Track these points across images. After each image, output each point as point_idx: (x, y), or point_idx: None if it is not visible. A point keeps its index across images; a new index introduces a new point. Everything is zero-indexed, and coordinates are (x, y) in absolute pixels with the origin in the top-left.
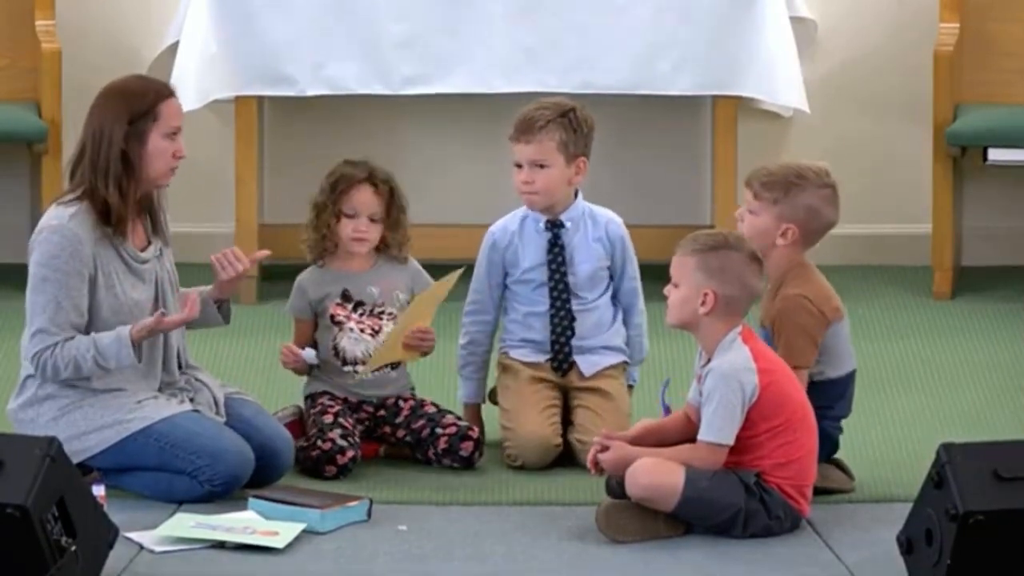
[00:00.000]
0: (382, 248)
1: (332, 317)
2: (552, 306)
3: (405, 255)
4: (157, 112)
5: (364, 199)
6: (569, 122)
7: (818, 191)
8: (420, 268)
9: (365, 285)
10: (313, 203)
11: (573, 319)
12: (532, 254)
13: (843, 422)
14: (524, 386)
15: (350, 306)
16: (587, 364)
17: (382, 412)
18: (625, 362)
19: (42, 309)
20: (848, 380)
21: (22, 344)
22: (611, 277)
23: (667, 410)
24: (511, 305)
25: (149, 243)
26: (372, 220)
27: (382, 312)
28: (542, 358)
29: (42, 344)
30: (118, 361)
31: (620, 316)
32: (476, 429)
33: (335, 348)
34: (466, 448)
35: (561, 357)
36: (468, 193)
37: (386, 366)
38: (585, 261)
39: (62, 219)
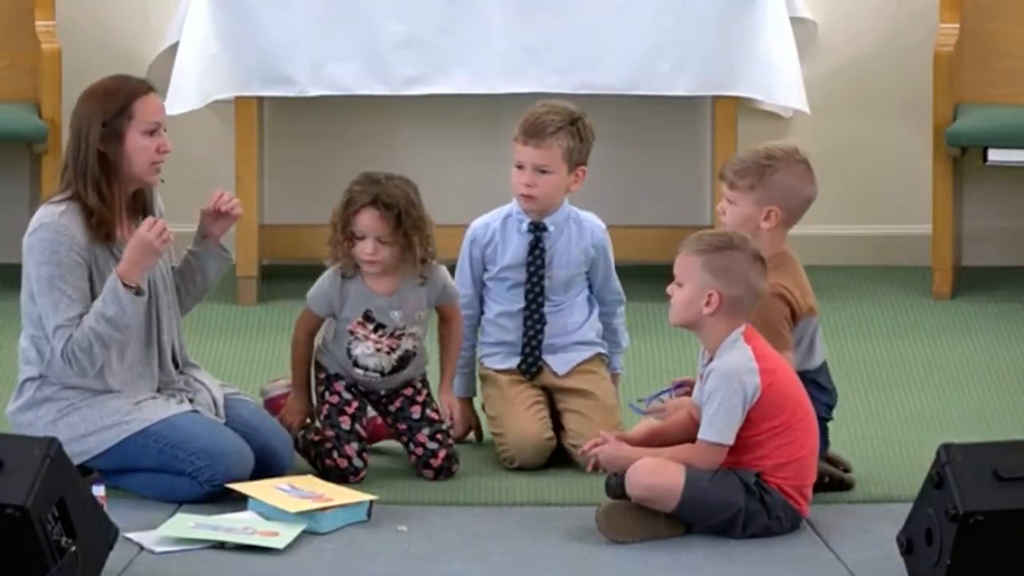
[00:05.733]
0: (403, 266)
1: (351, 331)
2: (527, 308)
3: (425, 275)
4: (132, 110)
5: (369, 222)
6: (577, 131)
7: (791, 168)
8: (446, 280)
9: (388, 310)
10: (331, 220)
11: (544, 322)
12: (512, 253)
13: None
14: (506, 390)
15: (371, 326)
16: (560, 363)
17: (384, 401)
18: (600, 354)
19: (54, 307)
20: (821, 370)
21: (21, 347)
22: (590, 281)
23: (642, 411)
24: (485, 304)
25: None
26: (381, 242)
27: (402, 334)
28: (514, 363)
29: (64, 338)
30: (127, 308)
31: (595, 312)
32: (440, 456)
33: (348, 350)
34: (427, 474)
35: (531, 360)
36: (467, 193)
37: (395, 372)
38: (564, 266)
39: (52, 216)
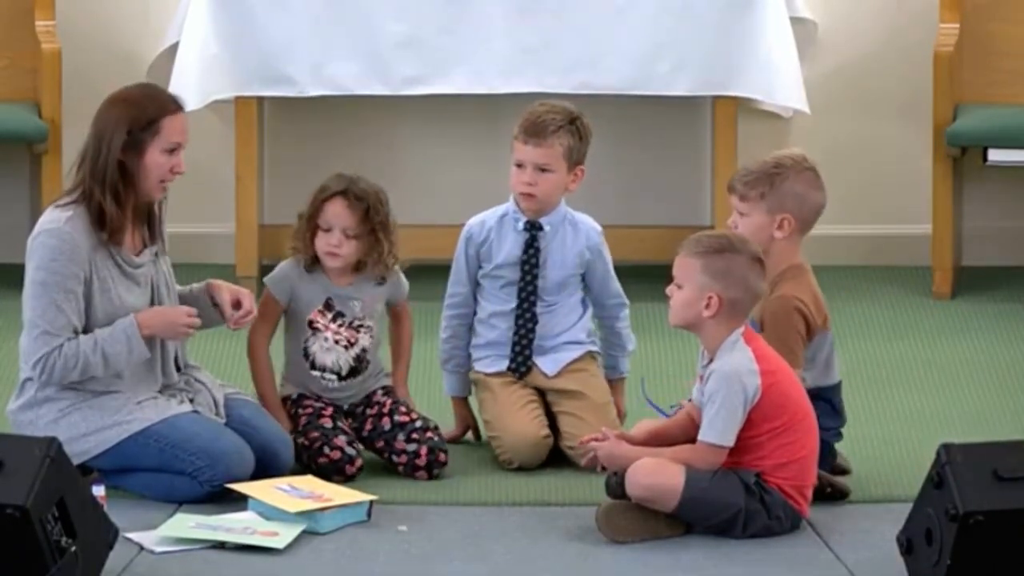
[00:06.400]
0: (360, 268)
1: (310, 323)
2: (519, 306)
3: (384, 277)
4: (159, 126)
5: (336, 212)
6: (577, 129)
7: (800, 176)
8: (400, 277)
9: (348, 300)
10: (299, 213)
11: (536, 321)
12: (506, 251)
13: (844, 432)
14: (499, 392)
15: (330, 315)
16: (549, 363)
17: (350, 420)
18: (590, 352)
19: (42, 313)
20: (837, 389)
21: (21, 346)
22: (587, 284)
23: (658, 409)
24: (478, 304)
25: (144, 247)
26: (347, 235)
27: (360, 326)
28: (504, 365)
29: (47, 347)
30: (129, 357)
31: (587, 313)
32: (423, 453)
33: (305, 350)
34: (420, 476)
35: (521, 359)
36: (467, 193)
37: (351, 376)
38: (558, 267)
39: (58, 222)
